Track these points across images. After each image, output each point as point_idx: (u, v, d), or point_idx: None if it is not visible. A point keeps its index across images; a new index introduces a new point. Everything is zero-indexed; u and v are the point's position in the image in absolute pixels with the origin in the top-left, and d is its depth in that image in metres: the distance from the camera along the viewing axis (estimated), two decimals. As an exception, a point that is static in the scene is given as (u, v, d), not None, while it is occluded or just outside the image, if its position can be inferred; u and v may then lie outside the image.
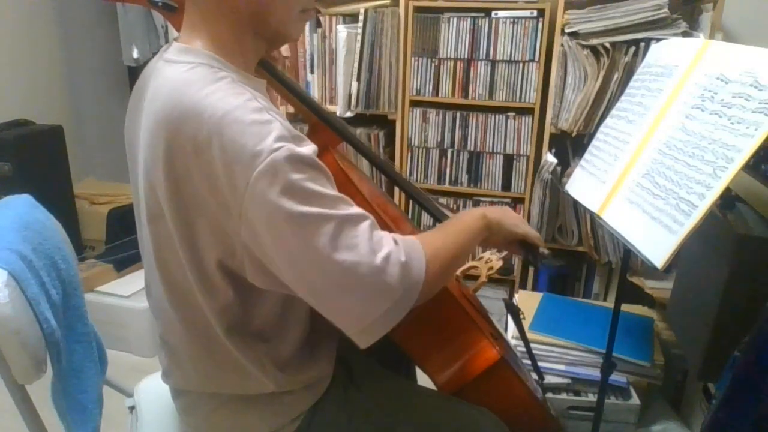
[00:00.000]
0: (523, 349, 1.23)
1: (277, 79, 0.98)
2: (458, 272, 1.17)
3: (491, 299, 2.25)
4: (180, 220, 0.76)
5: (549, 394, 1.53)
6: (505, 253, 1.22)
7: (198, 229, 0.76)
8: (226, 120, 0.69)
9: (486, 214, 0.95)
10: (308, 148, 0.73)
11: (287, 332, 0.89)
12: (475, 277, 1.20)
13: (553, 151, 2.05)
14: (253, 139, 0.68)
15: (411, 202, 2.23)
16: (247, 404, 0.89)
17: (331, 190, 0.74)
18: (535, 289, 2.24)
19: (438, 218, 1.23)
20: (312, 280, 0.73)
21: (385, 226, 0.93)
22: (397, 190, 2.24)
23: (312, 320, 0.92)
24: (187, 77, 0.74)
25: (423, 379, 1.07)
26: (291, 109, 2.30)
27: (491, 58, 2.09)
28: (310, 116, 1.06)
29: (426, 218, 2.32)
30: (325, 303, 0.75)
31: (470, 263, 1.21)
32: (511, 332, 1.66)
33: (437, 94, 2.19)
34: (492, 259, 1.26)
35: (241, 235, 0.72)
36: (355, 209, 0.75)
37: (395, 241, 0.77)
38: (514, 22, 2.04)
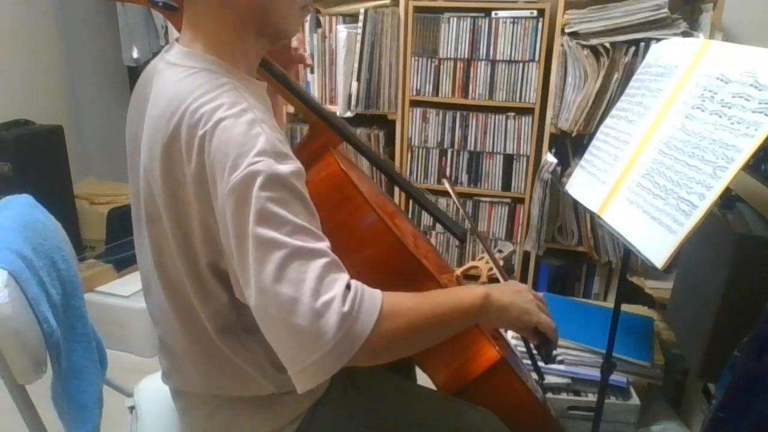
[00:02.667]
0: (523, 349, 1.23)
1: (277, 80, 0.98)
2: (458, 272, 1.17)
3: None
4: (175, 223, 0.77)
5: (549, 394, 1.53)
6: (506, 253, 1.22)
7: (192, 232, 0.77)
8: (218, 128, 0.70)
9: (491, 295, 0.85)
10: (288, 167, 0.71)
11: None
12: (476, 278, 1.19)
13: (553, 151, 2.05)
14: (236, 150, 0.69)
15: (411, 202, 2.23)
16: (248, 405, 0.89)
17: (296, 217, 0.69)
18: (535, 289, 2.23)
19: (438, 218, 1.24)
20: (254, 304, 0.69)
21: (384, 226, 0.94)
22: (397, 190, 2.24)
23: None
24: (189, 83, 0.75)
25: (423, 379, 1.07)
26: (291, 109, 2.30)
27: (491, 58, 2.09)
28: (310, 116, 1.06)
29: (426, 218, 2.32)
30: (265, 332, 0.71)
31: (471, 263, 1.21)
32: (511, 332, 1.66)
33: (437, 94, 2.19)
34: (492, 259, 1.25)
35: (222, 241, 0.73)
36: (316, 244, 0.70)
37: (347, 287, 0.70)
38: (514, 22, 2.04)
